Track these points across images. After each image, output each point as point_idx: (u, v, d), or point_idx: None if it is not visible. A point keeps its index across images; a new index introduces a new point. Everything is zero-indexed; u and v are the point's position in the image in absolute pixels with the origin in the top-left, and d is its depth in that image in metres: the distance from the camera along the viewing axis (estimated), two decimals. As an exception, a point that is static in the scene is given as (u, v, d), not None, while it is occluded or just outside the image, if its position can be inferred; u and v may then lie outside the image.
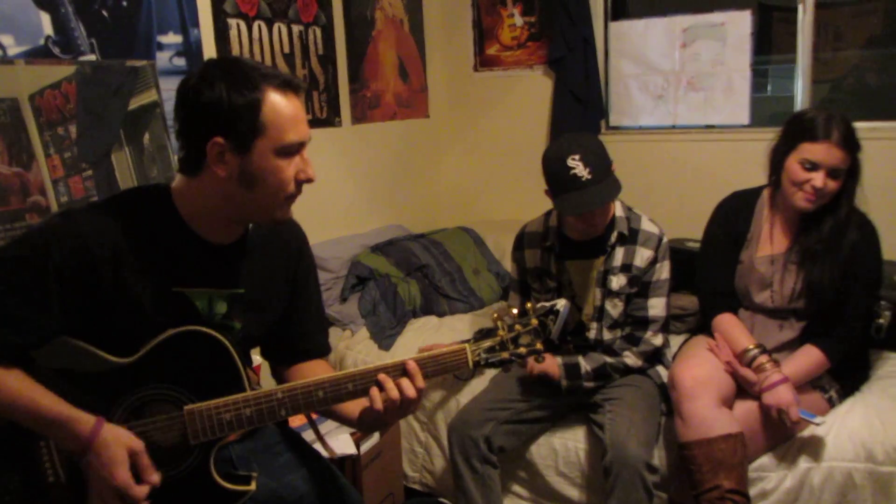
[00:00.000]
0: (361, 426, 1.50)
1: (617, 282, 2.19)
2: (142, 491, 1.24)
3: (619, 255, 2.20)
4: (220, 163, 1.27)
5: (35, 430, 1.26)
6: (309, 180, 1.34)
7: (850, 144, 1.96)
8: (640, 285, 2.21)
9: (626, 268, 2.20)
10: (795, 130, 2.02)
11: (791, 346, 2.12)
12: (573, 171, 2.02)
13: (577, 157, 2.03)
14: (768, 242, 2.15)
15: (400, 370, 1.36)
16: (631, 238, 2.20)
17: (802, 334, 2.12)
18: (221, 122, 1.25)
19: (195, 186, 1.34)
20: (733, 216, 2.20)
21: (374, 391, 1.34)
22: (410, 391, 1.34)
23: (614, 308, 2.22)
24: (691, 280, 2.94)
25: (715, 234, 2.23)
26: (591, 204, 2.04)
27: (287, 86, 1.29)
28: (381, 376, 1.35)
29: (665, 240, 2.23)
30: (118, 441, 1.24)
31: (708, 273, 2.25)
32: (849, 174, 1.99)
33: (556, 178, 2.06)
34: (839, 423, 2.04)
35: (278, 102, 1.27)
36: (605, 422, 2.10)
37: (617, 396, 2.17)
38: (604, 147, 2.13)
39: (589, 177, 2.02)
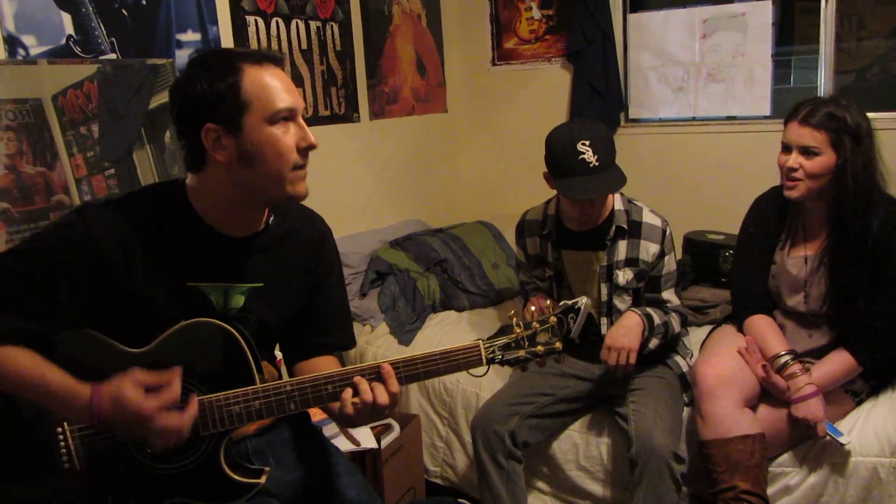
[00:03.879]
0: (337, 419, 1.51)
1: (624, 276, 2.18)
2: (170, 394, 1.25)
3: (621, 248, 2.18)
4: (218, 148, 1.30)
5: (44, 404, 1.28)
6: (311, 146, 1.34)
7: (820, 121, 1.89)
8: (649, 280, 2.20)
9: (631, 262, 2.18)
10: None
11: (820, 352, 2.07)
12: (582, 157, 2.01)
13: (587, 142, 2.02)
14: (801, 242, 2.08)
15: (375, 372, 1.34)
16: (633, 231, 2.18)
17: (833, 342, 2.07)
18: (208, 109, 1.28)
19: (204, 180, 1.36)
20: (768, 213, 2.14)
21: (347, 393, 1.33)
22: (383, 397, 1.32)
23: (623, 303, 2.21)
24: (712, 272, 2.94)
25: (750, 231, 2.18)
26: (597, 190, 2.04)
27: (264, 59, 1.32)
28: (356, 378, 1.33)
29: (669, 230, 2.20)
30: (116, 387, 1.24)
31: (742, 272, 2.20)
32: (840, 158, 1.90)
33: (563, 161, 2.05)
34: (864, 419, 2.02)
35: (257, 75, 1.29)
36: (630, 413, 2.09)
37: (640, 387, 2.16)
38: (611, 136, 2.13)
39: (597, 164, 2.02)
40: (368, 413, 1.33)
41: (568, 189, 2.05)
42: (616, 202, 2.20)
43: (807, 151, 1.92)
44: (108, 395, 1.24)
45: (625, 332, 2.06)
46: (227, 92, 1.27)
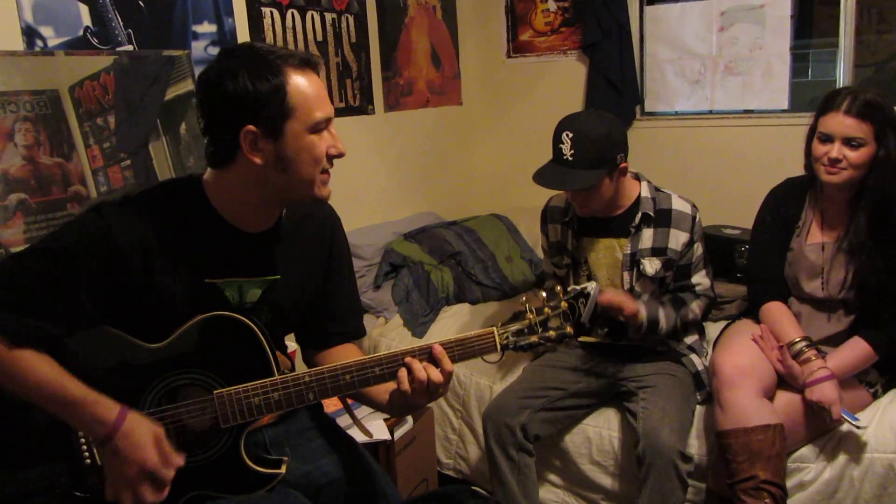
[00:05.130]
0: (391, 410, 1.51)
1: (651, 266, 2.16)
2: (170, 473, 1.27)
3: (646, 237, 2.17)
4: (254, 150, 1.29)
5: (60, 415, 1.28)
6: (340, 154, 1.37)
7: (865, 112, 1.90)
8: (678, 269, 2.19)
9: (658, 251, 2.16)
10: (817, 110, 2.02)
11: (838, 338, 2.07)
12: (560, 146, 2.06)
13: (570, 135, 2.04)
14: (818, 230, 2.10)
15: (427, 354, 1.36)
16: (662, 220, 2.16)
17: (851, 327, 2.07)
18: (250, 111, 1.27)
19: (228, 177, 1.36)
20: (784, 202, 2.16)
21: (402, 373, 1.35)
22: (437, 375, 1.35)
23: (645, 291, 2.19)
24: (728, 267, 2.92)
25: (765, 219, 2.19)
26: (548, 181, 2.09)
27: (306, 64, 1.32)
28: (408, 359, 1.35)
29: (698, 217, 2.20)
30: (144, 425, 1.27)
31: (758, 259, 2.21)
32: (881, 149, 1.92)
33: (553, 145, 2.11)
34: (880, 414, 2.01)
35: (301, 83, 1.29)
36: (639, 410, 2.09)
37: (651, 385, 2.15)
38: (615, 138, 2.08)
39: (570, 158, 2.03)
40: (424, 394, 1.36)
41: (538, 172, 2.11)
42: (643, 189, 2.20)
43: (851, 142, 1.92)
44: (134, 422, 1.25)
45: (624, 299, 2.08)
46: (271, 96, 1.26)
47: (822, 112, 1.99)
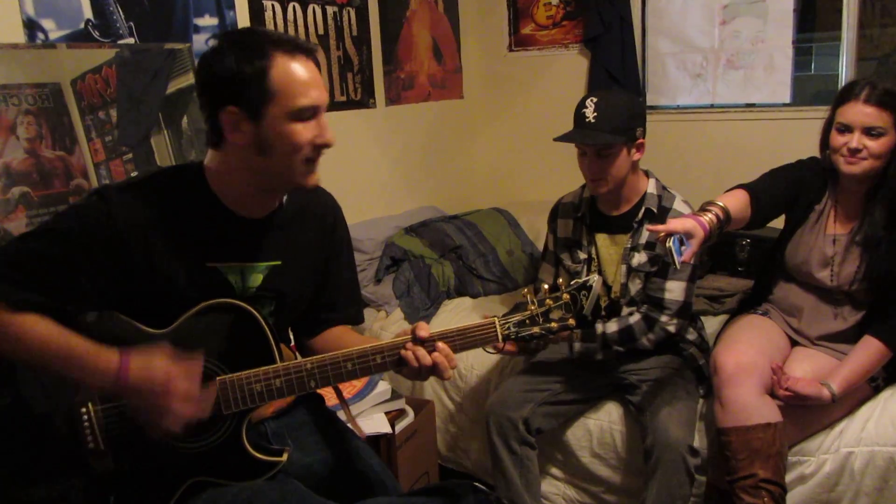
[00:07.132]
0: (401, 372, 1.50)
1: (637, 258, 2.14)
2: (196, 371, 1.28)
3: (645, 232, 2.16)
4: (235, 131, 1.30)
5: (66, 371, 1.28)
6: (327, 145, 1.35)
7: (884, 101, 1.90)
8: (661, 265, 2.15)
9: (650, 245, 2.15)
10: (834, 101, 2.02)
11: (845, 336, 2.06)
12: (583, 111, 2.08)
13: (594, 100, 2.07)
14: (833, 222, 2.08)
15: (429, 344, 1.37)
16: (660, 217, 2.15)
17: (858, 325, 2.05)
18: (232, 91, 1.27)
19: (221, 159, 1.37)
20: (811, 178, 2.11)
21: (406, 353, 1.35)
22: (440, 358, 1.36)
23: (634, 286, 2.18)
24: (729, 261, 2.92)
25: (790, 170, 2.13)
26: (570, 137, 2.09)
27: (297, 49, 1.30)
28: (410, 345, 1.36)
29: None
30: (149, 352, 1.27)
31: (763, 180, 2.12)
32: None
33: (574, 114, 2.12)
34: (881, 408, 2.01)
35: (288, 67, 1.28)
36: (644, 404, 2.09)
37: (654, 378, 2.16)
38: (635, 110, 2.13)
39: (592, 121, 2.05)
40: (428, 374, 1.36)
41: (559, 136, 2.12)
42: (649, 186, 2.19)
43: (871, 131, 1.91)
44: (138, 360, 1.25)
45: None
46: (252, 77, 1.26)
47: (840, 102, 1.98)
